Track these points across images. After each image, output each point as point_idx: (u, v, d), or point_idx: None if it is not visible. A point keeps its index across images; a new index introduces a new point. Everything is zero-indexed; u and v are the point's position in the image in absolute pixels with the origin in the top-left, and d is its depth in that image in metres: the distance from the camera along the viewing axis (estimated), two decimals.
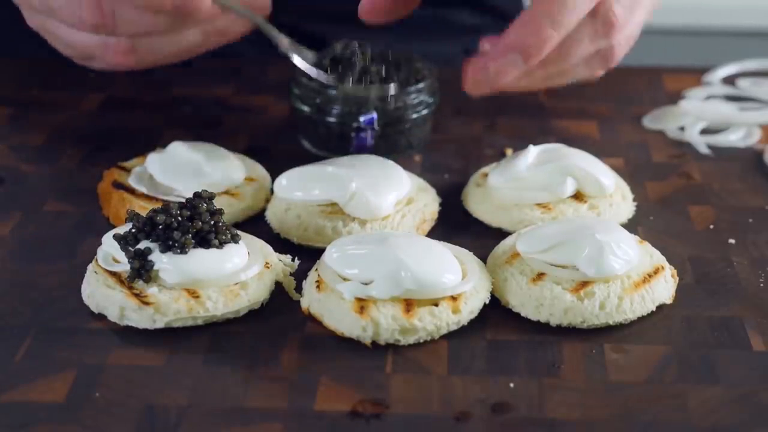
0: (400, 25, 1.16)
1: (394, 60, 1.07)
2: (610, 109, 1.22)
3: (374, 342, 0.82)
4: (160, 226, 0.85)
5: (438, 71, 1.10)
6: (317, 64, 1.01)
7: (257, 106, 1.22)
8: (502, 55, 0.91)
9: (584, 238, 0.86)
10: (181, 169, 0.99)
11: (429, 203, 0.99)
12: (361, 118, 1.05)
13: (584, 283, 0.85)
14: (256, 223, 0.99)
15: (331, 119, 1.06)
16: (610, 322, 0.84)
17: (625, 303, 0.85)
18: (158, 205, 0.92)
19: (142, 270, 0.84)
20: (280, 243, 0.95)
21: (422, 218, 0.97)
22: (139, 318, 0.84)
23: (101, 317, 0.85)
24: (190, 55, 1.01)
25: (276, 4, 1.04)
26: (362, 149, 1.06)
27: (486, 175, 1.02)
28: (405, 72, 1.07)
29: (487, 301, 0.86)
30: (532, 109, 1.22)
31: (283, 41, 0.98)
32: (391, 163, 1.00)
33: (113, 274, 0.86)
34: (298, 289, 0.89)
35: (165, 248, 0.85)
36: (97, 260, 0.88)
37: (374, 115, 1.05)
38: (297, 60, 0.97)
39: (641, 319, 0.86)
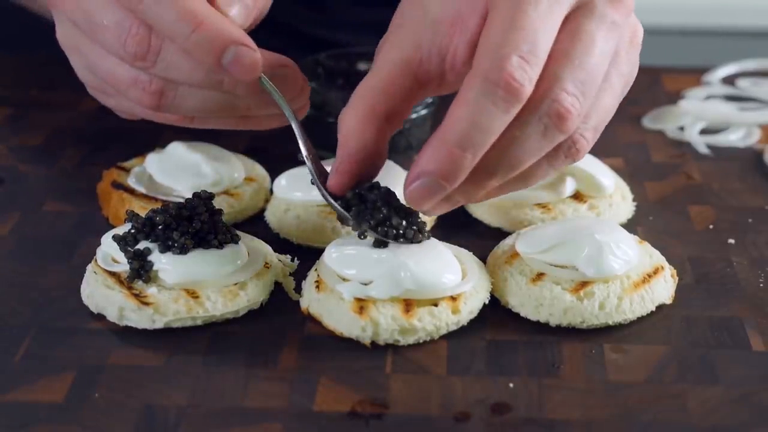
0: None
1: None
2: None
3: (374, 342, 0.82)
4: (160, 227, 0.85)
5: None
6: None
7: None
8: (415, 181, 0.78)
9: (584, 238, 0.86)
10: (181, 169, 0.99)
11: None
12: None
13: (584, 284, 0.85)
14: (255, 223, 0.99)
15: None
16: (610, 322, 0.84)
17: (625, 303, 0.85)
18: (157, 206, 0.92)
19: (141, 270, 0.84)
20: (280, 243, 0.95)
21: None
22: (139, 318, 0.84)
23: (101, 317, 0.85)
24: (209, 125, 0.93)
25: (295, 13, 1.02)
26: None
27: None
28: None
29: (487, 301, 0.86)
30: None
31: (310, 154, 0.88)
32: (390, 162, 1.00)
33: (113, 274, 0.86)
34: (298, 289, 0.89)
35: (164, 248, 0.85)
36: (96, 260, 0.88)
37: None
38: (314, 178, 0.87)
39: (641, 319, 0.86)
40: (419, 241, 0.85)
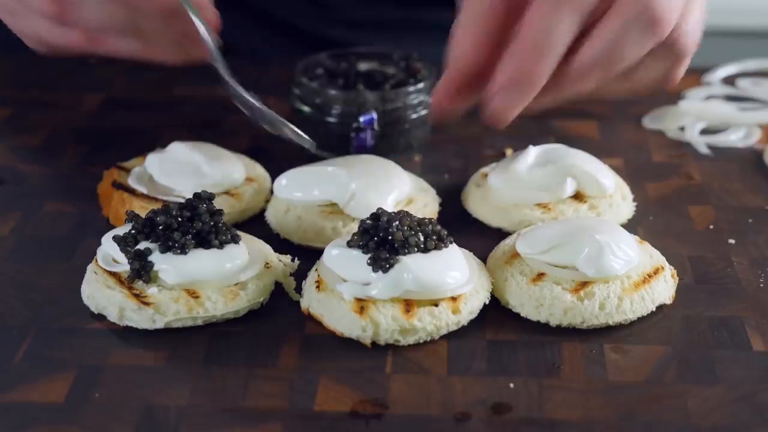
0: (397, 27, 1.16)
1: (396, 59, 1.09)
2: (610, 109, 1.22)
3: (374, 342, 0.82)
4: (160, 227, 0.85)
5: (437, 71, 1.10)
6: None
7: None
8: (497, 95, 0.86)
9: (584, 238, 0.86)
10: (181, 169, 0.99)
11: (429, 203, 0.99)
12: (361, 119, 1.05)
13: (584, 284, 0.85)
14: (256, 224, 0.99)
15: (331, 119, 1.06)
16: (610, 323, 0.84)
17: (625, 303, 0.85)
18: (158, 206, 0.92)
19: (142, 270, 0.84)
20: (280, 243, 0.95)
21: (423, 218, 0.96)
22: (139, 318, 0.84)
23: (101, 317, 0.85)
24: (109, 48, 0.98)
25: (294, 10, 1.03)
26: (362, 149, 1.06)
27: (486, 175, 1.02)
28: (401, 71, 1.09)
29: (487, 302, 0.86)
30: None
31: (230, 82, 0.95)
32: (390, 163, 1.00)
33: (113, 274, 0.86)
34: (298, 289, 0.89)
35: (165, 249, 0.85)
36: (96, 260, 0.88)
37: (374, 115, 1.05)
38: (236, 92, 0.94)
39: (641, 319, 0.86)
40: (440, 249, 0.85)
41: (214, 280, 0.85)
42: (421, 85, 1.07)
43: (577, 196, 0.98)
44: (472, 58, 0.87)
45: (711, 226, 0.99)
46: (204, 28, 0.90)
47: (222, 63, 0.91)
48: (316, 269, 0.88)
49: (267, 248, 0.92)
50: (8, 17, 0.99)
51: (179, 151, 1.01)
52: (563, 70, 0.87)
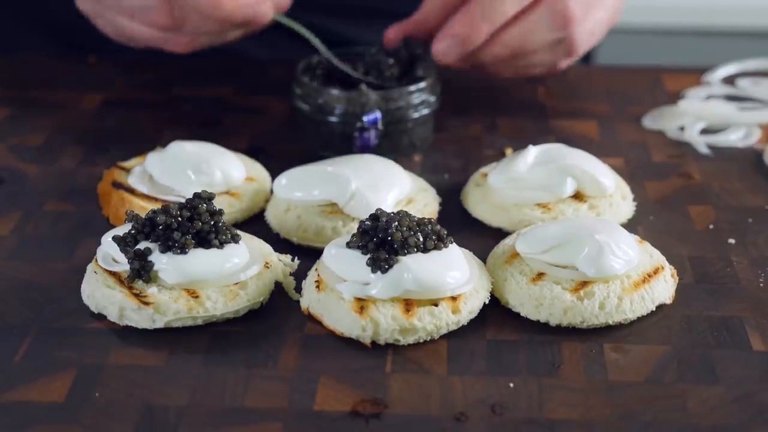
0: (376, 14, 1.21)
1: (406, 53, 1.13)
2: (610, 109, 1.22)
3: (374, 342, 0.82)
4: (161, 227, 0.85)
5: (438, 70, 1.10)
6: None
7: (257, 106, 1.22)
8: (443, 40, 1.09)
9: (584, 238, 0.86)
10: (181, 169, 0.99)
11: (429, 203, 0.99)
12: (365, 118, 1.05)
13: (584, 283, 0.85)
14: (256, 223, 0.99)
15: (333, 119, 1.06)
16: (610, 322, 0.84)
17: (625, 303, 0.85)
18: (158, 205, 0.92)
19: (142, 270, 0.84)
20: (280, 243, 0.95)
21: (422, 218, 0.96)
22: (139, 318, 0.84)
23: (101, 317, 0.85)
24: (233, 42, 1.16)
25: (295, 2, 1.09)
26: (366, 149, 1.06)
27: (486, 175, 1.02)
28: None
29: (487, 301, 0.86)
30: (532, 109, 1.22)
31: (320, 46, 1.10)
32: (391, 163, 1.00)
33: (113, 274, 0.86)
34: (298, 289, 0.89)
35: (165, 248, 0.85)
36: (96, 260, 0.88)
37: (378, 114, 1.05)
38: (326, 52, 1.10)
39: (641, 319, 0.86)
40: (440, 249, 0.85)
41: (214, 279, 0.85)
42: (423, 85, 1.07)
43: (577, 196, 0.98)
44: (431, 19, 1.12)
45: (711, 226, 0.99)
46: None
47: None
48: (316, 269, 0.88)
49: (267, 248, 0.92)
50: (121, 20, 1.14)
51: (179, 150, 1.01)
52: (492, 40, 1.09)
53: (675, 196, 1.04)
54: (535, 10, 1.08)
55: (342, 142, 1.07)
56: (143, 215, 0.87)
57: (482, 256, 0.91)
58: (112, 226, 0.95)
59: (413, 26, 1.13)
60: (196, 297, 0.84)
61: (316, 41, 1.10)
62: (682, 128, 1.16)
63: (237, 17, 1.08)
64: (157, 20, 1.11)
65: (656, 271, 0.87)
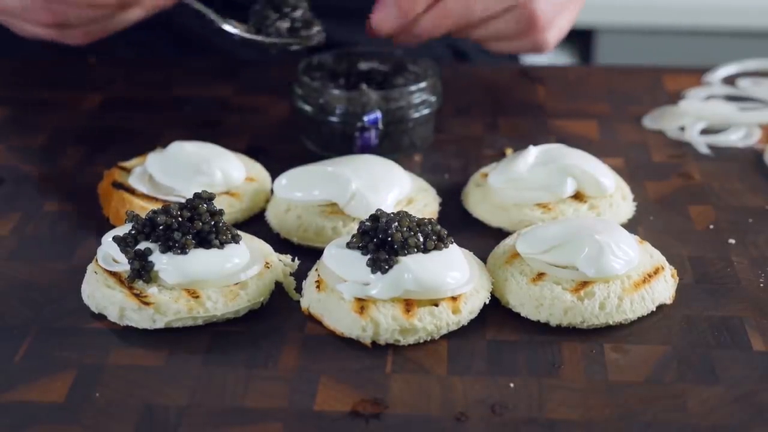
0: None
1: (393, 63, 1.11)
2: (610, 109, 1.22)
3: (374, 342, 0.82)
4: (161, 227, 0.85)
5: (439, 70, 1.10)
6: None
7: (257, 106, 1.22)
8: (381, 9, 1.05)
9: (584, 238, 0.86)
10: (181, 169, 0.99)
11: (429, 203, 0.99)
12: (366, 118, 1.05)
13: (584, 283, 0.85)
14: (256, 223, 0.99)
15: (334, 119, 1.06)
16: (610, 322, 0.84)
17: (625, 303, 0.85)
18: (158, 205, 0.92)
19: (142, 270, 0.84)
20: (280, 243, 0.95)
21: (422, 218, 0.96)
22: (139, 318, 0.84)
23: (101, 317, 0.85)
24: (132, 24, 1.16)
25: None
26: (367, 149, 1.06)
27: (486, 175, 1.02)
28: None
29: (487, 301, 0.86)
30: (532, 109, 1.22)
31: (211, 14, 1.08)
32: (391, 163, 1.00)
33: (113, 274, 0.86)
34: (298, 289, 0.89)
35: (165, 249, 0.85)
36: (97, 260, 0.88)
37: (379, 114, 1.05)
38: (228, 27, 1.07)
39: (641, 319, 0.86)
40: (440, 249, 0.85)
41: (215, 279, 0.85)
42: (423, 84, 1.07)
43: (577, 196, 0.98)
44: None
45: (711, 226, 0.99)
46: None
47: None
48: (316, 269, 0.88)
49: (267, 248, 0.92)
50: (12, 21, 1.14)
51: (179, 151, 1.01)
52: (433, 9, 1.05)
53: (675, 196, 1.04)
54: None
55: (342, 142, 1.07)
56: (143, 215, 0.87)
57: (482, 256, 0.91)
58: (113, 226, 0.95)
59: None
60: (197, 297, 0.84)
61: (208, 11, 1.07)
62: (682, 128, 1.16)
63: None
64: (39, 19, 1.11)
65: (656, 272, 0.87)
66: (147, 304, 0.83)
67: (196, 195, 0.88)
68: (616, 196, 0.99)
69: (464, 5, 1.05)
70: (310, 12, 1.08)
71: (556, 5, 1.10)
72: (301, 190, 0.96)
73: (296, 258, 0.92)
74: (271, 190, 1.01)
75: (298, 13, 1.07)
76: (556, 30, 1.13)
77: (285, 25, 1.06)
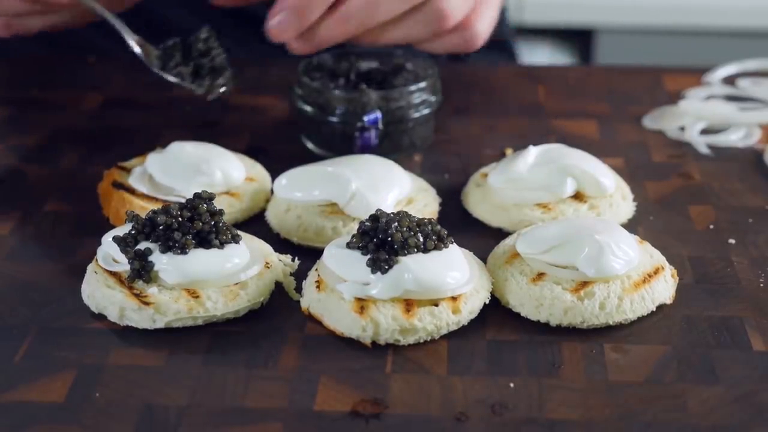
0: None
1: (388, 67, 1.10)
2: (610, 109, 1.22)
3: (374, 342, 0.82)
4: (161, 227, 0.85)
5: (438, 70, 1.10)
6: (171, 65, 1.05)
7: (257, 106, 1.22)
8: (278, 14, 0.99)
9: (584, 238, 0.86)
10: (181, 169, 0.99)
11: (429, 203, 0.99)
12: (366, 118, 1.05)
13: (584, 283, 0.85)
14: (256, 223, 0.99)
15: (334, 119, 1.06)
16: (610, 322, 0.84)
17: (625, 303, 0.85)
18: (158, 205, 0.92)
19: (142, 270, 0.84)
20: (280, 243, 0.95)
21: (422, 218, 0.96)
22: (139, 318, 0.84)
23: (101, 317, 0.85)
24: (59, 29, 1.15)
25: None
26: (367, 149, 1.06)
27: (486, 175, 1.02)
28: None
29: (487, 301, 0.86)
30: (532, 109, 1.22)
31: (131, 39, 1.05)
32: (390, 163, 1.00)
33: (113, 274, 0.86)
34: (298, 289, 0.89)
35: (165, 249, 0.85)
36: (97, 260, 0.88)
37: (378, 114, 1.05)
38: (137, 50, 1.04)
39: (641, 319, 0.86)
40: (440, 249, 0.85)
41: (215, 279, 0.85)
42: (423, 84, 1.07)
43: (577, 196, 0.98)
44: None
45: (711, 226, 0.99)
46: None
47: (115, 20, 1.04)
48: (316, 269, 0.88)
49: (267, 248, 0.92)
50: None
51: (179, 151, 1.01)
52: (333, 13, 0.99)
53: (675, 196, 1.04)
54: None
55: (342, 142, 1.07)
56: (143, 215, 0.87)
57: (482, 256, 0.91)
58: (113, 226, 0.95)
59: None
60: (197, 297, 0.84)
61: (121, 27, 1.04)
62: (682, 128, 1.16)
63: None
64: None
65: (656, 272, 0.87)
66: (147, 304, 0.83)
67: (196, 195, 0.88)
68: (616, 196, 0.99)
69: (365, 8, 0.98)
70: (225, 59, 1.05)
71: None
72: (301, 190, 0.96)
73: (296, 258, 0.92)
74: (271, 190, 1.01)
75: (206, 60, 1.04)
76: (481, 23, 1.06)
77: (187, 69, 1.03)
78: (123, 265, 0.86)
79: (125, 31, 1.03)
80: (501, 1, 1.11)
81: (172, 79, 1.01)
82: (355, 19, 0.98)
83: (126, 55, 1.29)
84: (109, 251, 0.87)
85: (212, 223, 0.86)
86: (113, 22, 1.03)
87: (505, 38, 1.54)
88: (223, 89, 1.01)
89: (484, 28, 1.08)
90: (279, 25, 0.98)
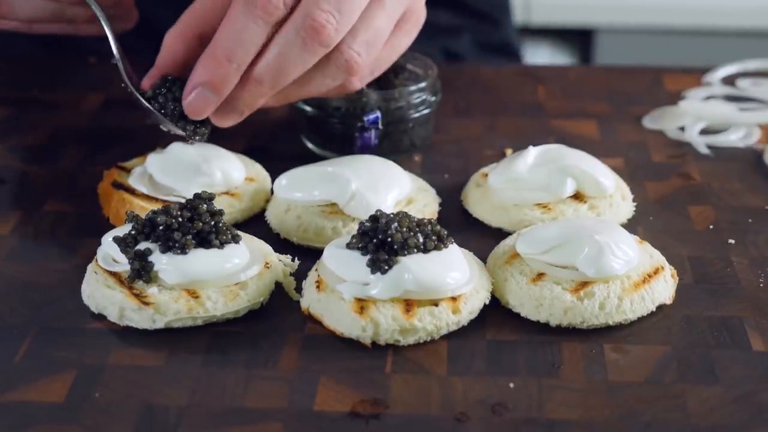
0: None
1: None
2: (610, 109, 1.22)
3: (374, 342, 0.82)
4: (161, 227, 0.85)
5: (438, 70, 1.10)
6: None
7: None
8: (191, 92, 0.93)
9: (584, 238, 0.86)
10: (181, 169, 0.99)
11: (429, 203, 0.99)
12: (366, 118, 1.05)
13: (584, 284, 0.85)
14: (256, 223, 0.99)
15: (334, 119, 1.06)
16: (610, 323, 0.84)
17: (625, 303, 0.85)
18: (158, 206, 0.92)
19: (142, 271, 0.84)
20: (280, 243, 0.95)
21: (422, 218, 0.96)
22: (139, 318, 0.84)
23: (101, 317, 0.86)
24: (45, 31, 1.11)
25: None
26: (366, 149, 1.06)
27: (486, 175, 1.02)
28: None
29: (487, 302, 0.86)
30: (532, 109, 1.22)
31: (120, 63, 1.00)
32: (390, 163, 1.00)
33: (113, 274, 0.86)
34: (298, 289, 0.89)
35: (165, 249, 0.85)
36: (97, 260, 0.88)
37: (378, 114, 1.05)
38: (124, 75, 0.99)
39: (641, 319, 0.86)
40: (440, 249, 0.85)
41: (215, 280, 0.85)
42: (423, 84, 1.07)
43: (577, 196, 0.98)
44: (179, 56, 0.96)
45: (711, 226, 0.99)
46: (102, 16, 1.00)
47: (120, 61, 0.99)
48: (316, 269, 0.88)
49: (267, 248, 0.92)
50: None
51: (179, 151, 1.01)
52: (246, 79, 0.93)
53: (675, 196, 1.04)
54: (281, 33, 0.90)
55: (342, 142, 1.07)
56: (143, 216, 0.87)
57: (482, 256, 0.91)
58: (112, 227, 0.95)
59: (162, 71, 0.96)
60: (197, 297, 0.84)
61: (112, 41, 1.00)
62: (682, 128, 1.16)
63: None
64: None
65: (656, 272, 0.87)
66: (147, 304, 0.83)
67: (196, 195, 0.88)
68: (616, 196, 0.99)
69: (275, 69, 0.91)
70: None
71: (371, 43, 0.94)
72: (301, 191, 0.96)
73: (296, 258, 0.92)
74: (271, 190, 1.01)
75: None
76: (360, 37, 0.94)
77: (177, 108, 0.96)
78: (123, 265, 0.86)
79: (113, 42, 0.99)
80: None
81: (151, 107, 0.96)
82: (267, 80, 0.92)
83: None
84: (109, 251, 0.87)
85: (212, 223, 0.87)
86: (114, 47, 0.99)
87: (509, 41, 1.54)
88: (201, 137, 0.98)
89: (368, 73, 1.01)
90: (196, 104, 0.93)
